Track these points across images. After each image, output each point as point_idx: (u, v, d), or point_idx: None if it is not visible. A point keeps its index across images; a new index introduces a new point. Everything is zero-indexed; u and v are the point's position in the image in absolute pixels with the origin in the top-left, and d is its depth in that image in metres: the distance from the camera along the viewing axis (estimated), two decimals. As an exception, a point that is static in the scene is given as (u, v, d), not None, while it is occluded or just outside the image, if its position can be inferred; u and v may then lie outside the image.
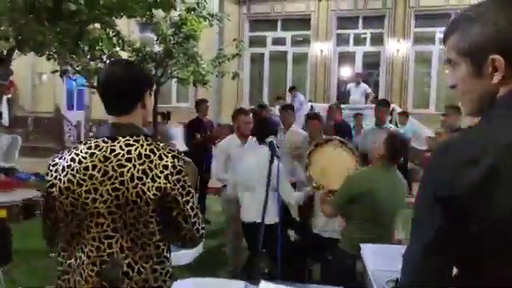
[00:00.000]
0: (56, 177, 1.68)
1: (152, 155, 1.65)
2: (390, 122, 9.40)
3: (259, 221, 3.18)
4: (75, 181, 1.64)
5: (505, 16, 1.06)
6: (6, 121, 12.18)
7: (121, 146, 1.65)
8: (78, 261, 1.66)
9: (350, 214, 2.90)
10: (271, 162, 2.11)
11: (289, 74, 13.03)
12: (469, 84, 1.12)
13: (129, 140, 1.66)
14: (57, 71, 7.73)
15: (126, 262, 1.62)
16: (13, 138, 10.25)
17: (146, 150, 1.65)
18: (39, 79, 15.67)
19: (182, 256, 2.46)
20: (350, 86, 11.37)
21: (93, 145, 1.67)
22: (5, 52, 5.00)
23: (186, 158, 2.91)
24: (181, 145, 7.12)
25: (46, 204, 1.74)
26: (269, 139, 2.25)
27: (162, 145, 1.72)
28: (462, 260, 1.12)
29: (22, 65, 12.29)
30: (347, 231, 2.94)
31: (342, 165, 3.26)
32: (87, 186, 1.63)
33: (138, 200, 1.61)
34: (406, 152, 3.18)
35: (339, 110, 7.17)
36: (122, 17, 6.41)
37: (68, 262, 1.70)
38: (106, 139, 1.68)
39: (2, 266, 3.84)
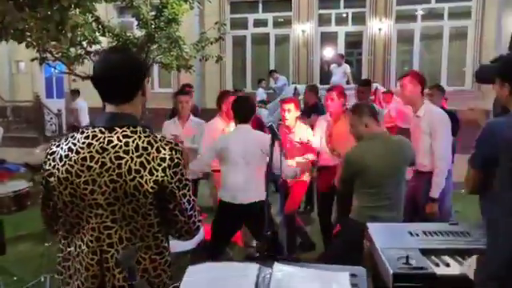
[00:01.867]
0: (54, 166, 1.66)
1: (149, 147, 1.64)
2: (374, 101, 9.50)
3: (258, 200, 3.20)
4: (73, 171, 1.63)
5: None
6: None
7: (118, 138, 1.63)
8: (78, 249, 1.67)
9: (356, 187, 3.03)
10: (272, 144, 2.12)
11: (271, 56, 12.98)
12: None
13: (126, 131, 1.65)
14: (36, 59, 7.55)
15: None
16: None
17: (143, 142, 1.64)
18: (16, 68, 15.29)
19: (183, 243, 2.48)
20: (333, 66, 11.41)
21: (90, 134, 1.66)
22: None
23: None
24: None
25: (44, 192, 1.73)
26: (268, 123, 2.27)
27: (159, 136, 1.71)
28: None
29: (-2, 53, 12.02)
30: (357, 202, 3.05)
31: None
32: (85, 177, 1.62)
33: (136, 193, 1.61)
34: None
35: (313, 92, 7.19)
36: (106, 1, 6.28)
37: (68, 249, 1.71)
38: (103, 129, 1.66)
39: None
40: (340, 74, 11.06)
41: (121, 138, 1.64)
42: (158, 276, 1.70)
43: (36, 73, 14.37)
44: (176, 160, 1.67)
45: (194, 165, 3.56)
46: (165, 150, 1.65)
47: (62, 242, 1.75)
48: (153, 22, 8.05)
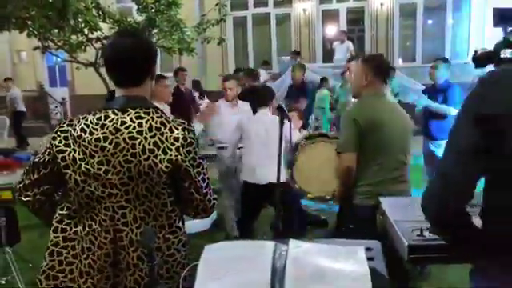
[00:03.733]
0: (66, 144, 1.68)
1: (163, 128, 1.66)
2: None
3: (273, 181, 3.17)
4: (87, 152, 1.65)
5: None
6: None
7: (131, 119, 1.66)
8: (88, 229, 1.70)
9: (364, 157, 2.60)
10: (281, 125, 2.13)
11: (273, 36, 12.89)
12: None
13: (139, 112, 1.67)
14: (38, 48, 7.53)
15: (139, 230, 1.67)
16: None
17: (156, 123, 1.66)
18: (18, 57, 15.27)
19: (196, 223, 2.52)
20: (335, 44, 11.32)
21: (102, 116, 1.68)
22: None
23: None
24: None
25: (42, 162, 1.72)
26: (278, 103, 2.28)
27: (171, 117, 1.73)
28: (493, 180, 1.23)
29: (-1, 43, 11.99)
30: (361, 182, 2.66)
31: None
32: (99, 157, 1.65)
33: (151, 172, 1.64)
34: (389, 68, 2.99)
35: (300, 70, 7.14)
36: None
37: (74, 229, 1.72)
38: (115, 111, 1.68)
39: (11, 246, 3.87)
40: (343, 51, 10.98)
41: (134, 119, 1.66)
42: (172, 255, 1.74)
43: (38, 62, 14.36)
44: (189, 139, 1.69)
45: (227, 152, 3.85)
46: (177, 129, 1.68)
47: (65, 221, 1.74)
48: (153, 6, 7.99)
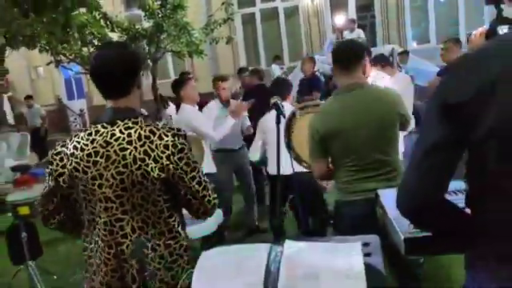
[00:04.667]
0: (63, 165, 1.70)
1: (152, 136, 1.66)
2: (391, 64, 9.29)
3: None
4: (80, 168, 1.67)
5: None
6: (11, 119, 12.27)
7: (120, 130, 1.66)
8: (96, 245, 1.73)
9: (334, 160, 2.48)
10: (278, 122, 2.11)
11: (282, 30, 12.82)
12: None
13: (127, 123, 1.68)
14: (51, 62, 7.68)
15: None
16: (22, 135, 10.32)
17: (145, 131, 1.66)
18: (36, 73, 15.58)
19: (200, 228, 2.52)
20: (345, 33, 11.16)
21: (93, 131, 1.69)
22: (-4, 51, 4.96)
23: (190, 134, 2.90)
24: None
25: (51, 189, 1.76)
26: (273, 100, 2.25)
27: (161, 124, 1.73)
28: (469, 174, 1.20)
29: (17, 61, 12.22)
30: (337, 180, 2.52)
31: None
32: (92, 172, 1.66)
33: (144, 181, 1.64)
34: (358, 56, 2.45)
35: (309, 63, 7.05)
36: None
37: (90, 246, 1.76)
38: (105, 124, 1.69)
39: (34, 259, 3.95)
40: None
41: (123, 130, 1.66)
42: (175, 261, 1.74)
43: (55, 76, 14.62)
44: (180, 146, 1.68)
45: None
46: (167, 136, 1.67)
47: (85, 239, 1.80)
48: (159, 12, 8.05)
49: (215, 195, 1.81)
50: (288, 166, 2.44)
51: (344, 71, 2.43)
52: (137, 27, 8.36)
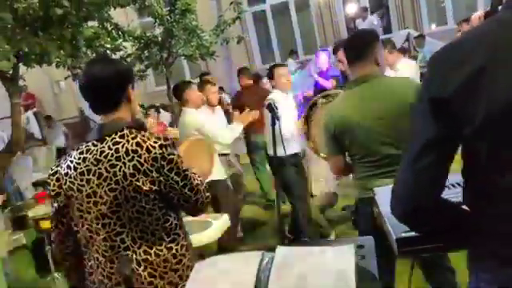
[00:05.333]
0: (59, 185, 1.73)
1: (139, 149, 1.67)
2: (406, 49, 9.11)
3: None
4: (75, 187, 1.69)
5: None
6: (38, 134, 12.57)
7: (109, 146, 1.68)
8: (97, 261, 1.74)
9: (350, 155, 2.42)
10: (273, 124, 2.08)
11: (295, 25, 12.69)
12: None
13: (115, 138, 1.69)
14: (69, 76, 7.81)
15: (142, 249, 1.69)
16: (48, 149, 10.55)
17: (132, 146, 1.67)
18: (58, 87, 15.93)
19: (207, 233, 2.53)
20: (358, 22, 11.00)
21: (84, 149, 1.72)
22: (10, 71, 5.07)
23: (202, 139, 2.90)
24: None
25: (57, 210, 1.79)
26: (267, 101, 2.22)
27: (146, 134, 1.73)
28: (464, 169, 1.15)
29: (39, 77, 12.52)
30: (355, 176, 2.49)
31: None
32: (86, 190, 1.68)
33: (137, 195, 1.66)
34: (368, 45, 2.34)
35: (324, 55, 6.94)
36: (115, 8, 6.37)
37: (89, 263, 1.78)
38: (95, 142, 1.71)
39: (60, 271, 4.05)
40: (366, 27, 10.62)
41: (111, 146, 1.68)
42: (179, 262, 1.77)
43: (76, 89, 14.87)
44: (168, 157, 1.69)
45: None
46: (155, 148, 1.68)
47: (84, 257, 1.82)
48: (168, 18, 8.09)
49: (208, 194, 1.84)
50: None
51: (355, 62, 2.34)
52: (148, 34, 8.43)
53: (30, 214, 4.12)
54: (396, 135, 2.24)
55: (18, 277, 4.87)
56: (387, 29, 11.53)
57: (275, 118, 2.14)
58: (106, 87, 1.72)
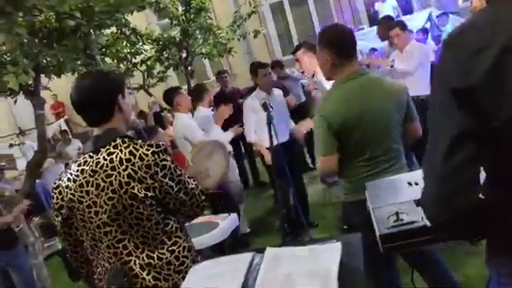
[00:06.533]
0: (62, 198, 1.79)
1: (132, 158, 1.70)
2: (426, 30, 8.84)
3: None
4: (75, 199, 1.75)
5: None
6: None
7: (104, 157, 1.72)
8: (104, 268, 1.80)
9: (346, 155, 2.28)
10: (269, 123, 2.08)
11: (313, 14, 12.52)
12: None
13: (109, 148, 1.73)
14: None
15: (144, 254, 1.73)
16: (78, 153, 10.78)
17: (125, 155, 1.70)
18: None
19: (213, 235, 2.55)
20: (377, 4, 10.75)
21: (82, 161, 1.77)
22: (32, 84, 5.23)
23: (218, 141, 2.92)
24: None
25: (62, 223, 1.85)
26: (262, 100, 2.22)
27: (139, 142, 1.76)
28: (490, 162, 1.04)
29: (67, 86, 12.86)
30: (344, 179, 2.38)
31: None
32: (86, 201, 1.73)
33: (134, 202, 1.69)
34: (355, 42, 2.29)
35: None
36: (130, 12, 6.49)
37: (98, 270, 1.83)
38: (91, 154, 1.76)
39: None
40: (388, 9, 10.36)
41: (106, 156, 1.72)
42: (182, 263, 1.80)
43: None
44: (161, 163, 1.72)
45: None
46: (147, 156, 1.71)
47: (93, 264, 1.89)
48: (184, 18, 8.15)
49: (203, 197, 1.87)
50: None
51: (347, 59, 2.27)
52: (165, 36, 8.52)
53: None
54: (395, 129, 2.25)
55: (53, 282, 5.07)
56: (408, 9, 11.22)
57: (270, 116, 2.13)
58: (96, 101, 1.77)
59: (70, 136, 11.64)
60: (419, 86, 4.39)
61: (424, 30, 8.78)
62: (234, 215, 2.83)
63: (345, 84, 2.26)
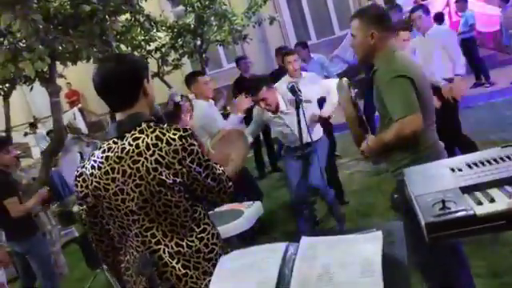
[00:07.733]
0: (86, 186, 1.73)
1: (159, 143, 1.63)
2: (442, 15, 8.64)
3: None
4: (101, 187, 1.68)
5: None
6: (84, 129, 12.98)
7: (129, 143, 1.66)
8: (132, 257, 1.74)
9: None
10: (298, 107, 1.99)
11: (329, 1, 12.32)
12: None
13: (134, 133, 1.67)
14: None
15: (173, 242, 1.67)
16: (93, 143, 10.82)
17: (152, 140, 1.64)
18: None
19: (236, 224, 2.48)
20: (395, -11, 10.50)
21: (106, 148, 1.70)
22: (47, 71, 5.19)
23: (239, 129, 2.84)
24: None
25: (87, 212, 1.80)
26: (290, 84, 2.13)
27: (165, 127, 1.69)
28: None
29: (82, 74, 12.93)
30: (419, 147, 2.27)
31: None
32: (113, 188, 1.67)
33: (162, 188, 1.63)
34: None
35: None
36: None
37: (126, 258, 1.78)
38: (115, 139, 1.69)
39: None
40: (405, -4, 10.13)
41: (131, 142, 1.66)
42: (212, 251, 1.75)
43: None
44: (189, 148, 1.66)
45: None
46: (174, 141, 1.65)
47: (120, 252, 1.83)
48: (198, 5, 8.05)
49: (230, 183, 1.82)
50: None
51: (393, 33, 2.48)
52: (180, 23, 8.44)
53: (75, 208, 4.24)
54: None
55: (71, 269, 5.09)
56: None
57: (298, 100, 2.04)
58: (122, 86, 1.69)
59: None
60: (441, 69, 4.41)
61: (440, 15, 8.57)
62: (258, 203, 2.76)
63: (397, 53, 2.33)
